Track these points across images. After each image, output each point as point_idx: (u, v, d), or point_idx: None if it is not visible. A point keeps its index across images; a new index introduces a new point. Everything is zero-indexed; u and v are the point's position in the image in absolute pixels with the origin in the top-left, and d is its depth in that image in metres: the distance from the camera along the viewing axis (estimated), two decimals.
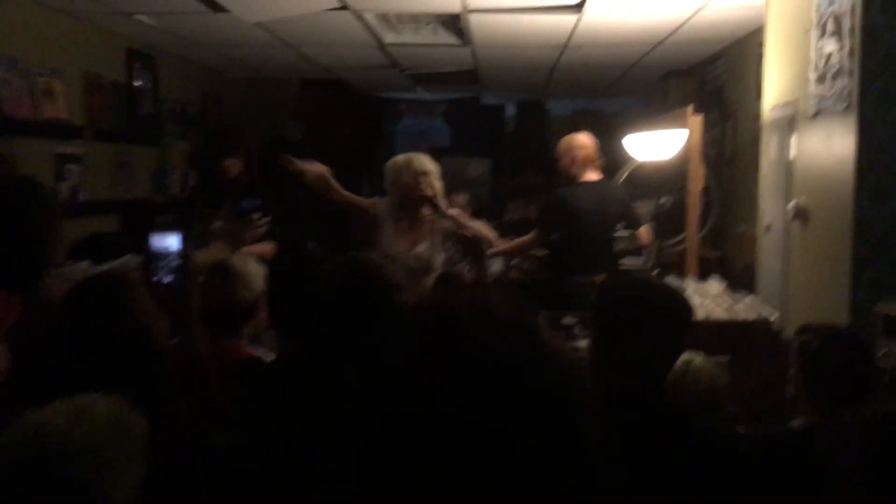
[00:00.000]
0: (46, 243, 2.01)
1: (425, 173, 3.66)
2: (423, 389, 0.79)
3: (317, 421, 1.53)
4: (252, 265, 2.47)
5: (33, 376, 1.66)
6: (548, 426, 0.78)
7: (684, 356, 2.23)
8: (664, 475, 1.49)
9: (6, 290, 1.93)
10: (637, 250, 4.98)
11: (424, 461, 0.76)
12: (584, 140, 4.52)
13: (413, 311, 0.95)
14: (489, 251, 4.17)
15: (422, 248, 3.74)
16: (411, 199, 3.68)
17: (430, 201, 3.66)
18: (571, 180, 4.46)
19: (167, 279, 2.23)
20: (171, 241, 2.29)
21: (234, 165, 3.96)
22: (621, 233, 4.38)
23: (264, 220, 3.33)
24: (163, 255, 2.28)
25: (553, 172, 7.52)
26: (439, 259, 3.70)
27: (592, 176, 4.46)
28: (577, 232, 4.32)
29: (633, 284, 1.75)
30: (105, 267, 2.45)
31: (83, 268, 2.50)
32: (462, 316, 0.84)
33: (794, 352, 2.24)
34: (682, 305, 1.66)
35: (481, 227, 4.14)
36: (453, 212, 3.85)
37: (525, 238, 4.65)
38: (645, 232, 4.48)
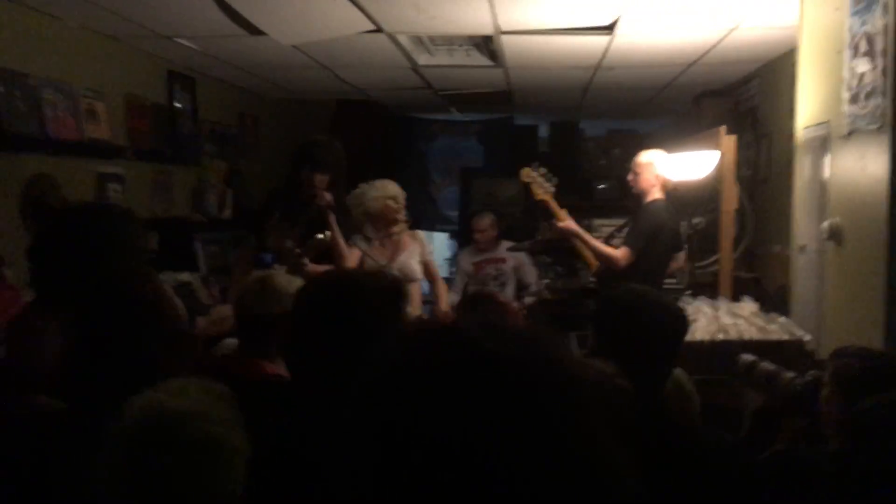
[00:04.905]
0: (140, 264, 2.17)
1: (391, 197, 4.12)
2: (423, 402, 0.79)
3: (314, 438, 1.55)
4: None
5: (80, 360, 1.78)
6: (547, 444, 0.78)
7: (679, 375, 2.24)
8: (663, 483, 1.52)
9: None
10: (673, 272, 4.99)
11: (423, 473, 0.76)
12: (663, 157, 4.38)
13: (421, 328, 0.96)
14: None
15: (402, 259, 4.25)
16: (382, 220, 4.13)
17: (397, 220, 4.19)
18: (644, 196, 4.30)
19: None
20: None
21: (322, 181, 3.74)
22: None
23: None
24: None
25: (588, 192, 7.58)
26: (418, 268, 4.20)
27: (662, 195, 4.33)
28: (657, 248, 4.21)
29: (630, 297, 1.79)
30: None
31: None
32: (470, 331, 0.84)
33: (829, 375, 2.20)
34: (676, 318, 1.72)
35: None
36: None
37: (617, 250, 4.22)
38: (682, 254, 4.47)
